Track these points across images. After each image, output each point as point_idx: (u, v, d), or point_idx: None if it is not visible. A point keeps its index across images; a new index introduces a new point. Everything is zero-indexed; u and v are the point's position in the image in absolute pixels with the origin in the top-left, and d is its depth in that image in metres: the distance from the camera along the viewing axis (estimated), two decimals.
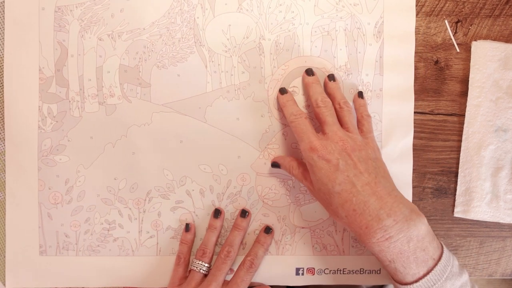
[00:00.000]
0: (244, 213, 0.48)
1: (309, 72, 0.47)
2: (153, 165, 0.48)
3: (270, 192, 0.49)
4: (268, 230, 0.48)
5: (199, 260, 0.46)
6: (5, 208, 0.48)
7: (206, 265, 0.46)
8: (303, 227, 0.50)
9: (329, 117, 0.43)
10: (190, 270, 0.47)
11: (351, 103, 0.48)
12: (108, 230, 0.49)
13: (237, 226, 0.48)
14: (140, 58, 0.48)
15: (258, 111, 0.49)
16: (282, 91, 0.47)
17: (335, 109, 0.45)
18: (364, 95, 0.48)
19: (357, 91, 0.48)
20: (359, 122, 0.46)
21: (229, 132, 0.49)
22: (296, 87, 0.49)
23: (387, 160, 0.49)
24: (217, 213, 0.48)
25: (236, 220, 0.48)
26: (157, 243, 0.49)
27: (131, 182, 0.48)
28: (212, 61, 0.48)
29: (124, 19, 0.48)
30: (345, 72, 0.49)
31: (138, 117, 0.48)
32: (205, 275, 0.46)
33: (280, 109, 0.48)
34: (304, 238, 0.50)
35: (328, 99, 0.45)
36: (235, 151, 0.49)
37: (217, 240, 0.48)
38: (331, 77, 0.47)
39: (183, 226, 0.49)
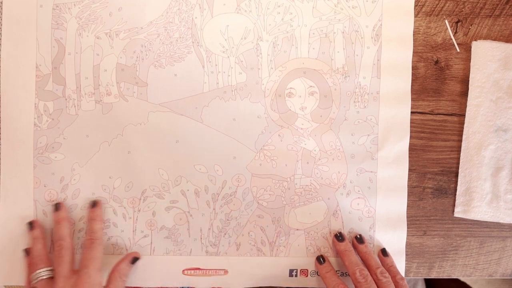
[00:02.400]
0: (57, 207, 0.47)
1: (339, 237, 0.48)
2: (149, 165, 0.48)
3: (265, 193, 0.49)
4: (94, 204, 0.47)
5: (38, 270, 0.44)
6: None
7: (46, 269, 0.44)
8: (297, 229, 0.50)
9: None
10: (35, 285, 0.44)
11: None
12: (102, 229, 0.48)
13: (56, 220, 0.47)
14: (137, 57, 0.48)
15: (255, 112, 0.49)
16: (320, 260, 0.48)
17: (373, 278, 0.45)
18: (388, 253, 0.49)
19: (380, 249, 0.49)
20: None
21: (225, 133, 0.49)
22: (293, 88, 0.49)
23: (383, 163, 0.49)
24: (30, 225, 0.47)
25: (54, 215, 0.47)
26: (151, 243, 0.49)
27: (126, 181, 0.48)
28: (210, 62, 0.48)
29: (122, 17, 0.47)
30: (343, 75, 0.49)
31: (135, 116, 0.48)
32: (51, 278, 0.44)
33: (277, 111, 0.48)
34: (299, 240, 0.50)
35: (366, 271, 0.45)
36: (231, 151, 0.49)
37: (44, 246, 0.46)
38: (360, 240, 0.48)
39: (178, 226, 0.49)
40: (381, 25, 0.49)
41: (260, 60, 0.48)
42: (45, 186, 0.48)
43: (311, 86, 0.49)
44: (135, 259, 0.48)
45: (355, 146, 0.49)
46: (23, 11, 0.47)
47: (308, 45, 0.49)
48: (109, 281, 0.45)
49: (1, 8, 0.47)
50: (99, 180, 0.48)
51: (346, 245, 0.48)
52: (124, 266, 0.47)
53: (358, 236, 0.49)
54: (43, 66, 0.47)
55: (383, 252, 0.49)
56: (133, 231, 0.49)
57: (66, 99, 0.48)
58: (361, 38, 0.49)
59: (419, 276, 0.52)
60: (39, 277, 0.44)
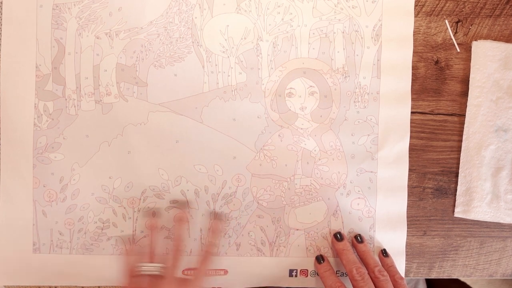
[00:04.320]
0: (181, 205, 0.48)
1: (338, 237, 0.48)
2: (149, 165, 0.48)
3: (265, 193, 0.49)
4: (218, 216, 0.48)
5: (152, 263, 0.44)
6: None
7: (160, 265, 0.43)
8: (297, 229, 0.50)
9: None
10: (138, 277, 0.43)
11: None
12: (102, 229, 0.48)
13: (180, 218, 0.47)
14: (137, 57, 0.48)
15: (255, 112, 0.49)
16: (319, 259, 0.49)
17: (371, 277, 0.45)
18: (388, 253, 0.49)
19: (380, 249, 0.49)
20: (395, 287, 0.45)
21: (225, 133, 0.49)
22: (293, 88, 0.49)
23: (383, 163, 0.49)
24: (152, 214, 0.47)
25: (178, 213, 0.48)
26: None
27: (126, 181, 0.48)
28: (210, 62, 0.48)
29: (122, 17, 0.47)
30: (343, 75, 0.49)
31: (134, 116, 0.48)
32: (157, 276, 0.43)
33: (277, 111, 0.48)
34: (298, 240, 0.50)
35: (363, 270, 0.45)
36: (231, 151, 0.49)
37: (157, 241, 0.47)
38: (359, 239, 0.49)
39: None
40: (381, 25, 0.49)
41: (260, 60, 0.48)
42: (44, 186, 0.48)
43: (311, 86, 0.49)
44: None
45: (355, 146, 0.49)
46: (23, 11, 0.47)
47: (308, 45, 0.49)
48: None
49: (1, 8, 0.47)
50: (99, 180, 0.48)
51: (345, 245, 0.48)
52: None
53: (357, 235, 0.49)
54: (43, 66, 0.47)
55: (384, 252, 0.49)
56: (133, 231, 0.49)
57: (66, 99, 0.48)
58: (361, 38, 0.49)
59: (419, 276, 0.52)
60: (153, 270, 0.43)
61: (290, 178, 0.49)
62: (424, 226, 0.51)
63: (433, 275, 0.51)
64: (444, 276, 0.52)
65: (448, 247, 0.51)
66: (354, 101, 0.49)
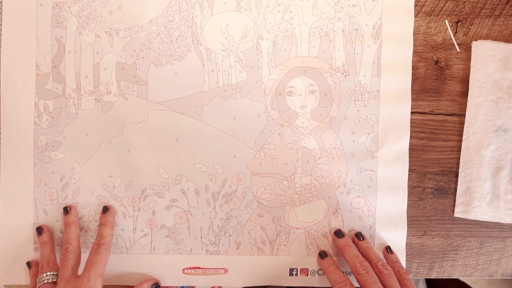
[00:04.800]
0: (66, 210, 0.47)
1: (339, 234, 0.48)
2: (149, 163, 0.48)
3: (265, 192, 0.49)
4: (105, 209, 0.48)
5: (43, 274, 0.45)
6: None
7: (50, 273, 0.45)
8: (297, 228, 0.50)
9: (373, 284, 0.43)
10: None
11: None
12: (112, 235, 0.48)
13: (66, 223, 0.47)
14: (137, 56, 0.48)
15: (255, 110, 0.49)
16: (322, 255, 0.48)
17: (374, 272, 0.45)
18: (393, 250, 0.49)
19: (385, 246, 0.49)
20: (400, 282, 0.45)
21: (225, 132, 0.49)
22: (293, 87, 0.49)
23: (383, 162, 0.49)
24: (39, 230, 0.47)
25: (64, 218, 0.47)
26: (151, 242, 0.49)
27: (126, 180, 0.48)
28: (210, 60, 0.48)
29: (122, 16, 0.47)
30: (343, 73, 0.49)
31: (135, 115, 0.48)
32: (55, 282, 0.45)
33: (277, 109, 0.48)
34: (299, 238, 0.50)
35: (367, 263, 0.45)
36: (231, 150, 0.49)
37: (52, 250, 0.47)
38: (360, 236, 0.49)
39: (178, 225, 0.49)
40: (381, 23, 0.49)
41: (260, 59, 0.48)
42: (45, 185, 0.48)
43: (311, 85, 0.49)
44: (157, 286, 0.48)
45: (355, 145, 0.49)
46: (23, 10, 0.47)
47: (308, 43, 0.48)
48: None
49: (1, 7, 0.47)
50: (99, 179, 0.48)
51: (346, 240, 0.48)
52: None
53: (358, 233, 0.49)
54: (43, 65, 0.47)
55: (388, 249, 0.49)
56: (133, 230, 0.49)
57: (66, 98, 0.48)
58: (361, 36, 0.49)
59: (419, 276, 0.52)
60: (44, 280, 0.44)
61: (290, 176, 0.49)
62: (424, 226, 0.51)
63: (433, 275, 0.52)
64: (444, 276, 0.52)
65: (448, 247, 0.51)
66: (354, 100, 0.49)
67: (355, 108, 0.49)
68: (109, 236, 0.46)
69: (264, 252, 0.49)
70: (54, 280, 0.45)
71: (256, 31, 0.48)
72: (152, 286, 0.48)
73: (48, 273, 0.45)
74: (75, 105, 0.48)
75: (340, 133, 0.49)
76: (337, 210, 0.50)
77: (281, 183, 0.49)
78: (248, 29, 0.48)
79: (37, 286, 0.45)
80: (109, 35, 0.47)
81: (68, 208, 0.47)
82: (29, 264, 0.48)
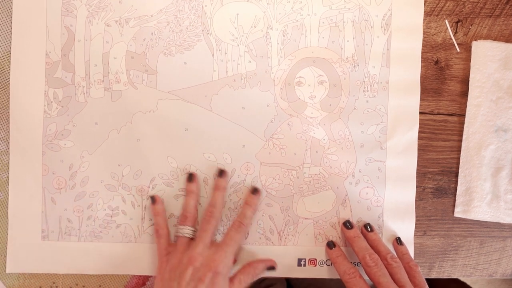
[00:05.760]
0: (221, 173, 0.48)
1: (348, 225, 0.48)
2: (158, 153, 0.48)
3: (274, 182, 0.49)
4: (254, 190, 0.48)
5: (182, 225, 0.46)
6: (6, 207, 0.48)
7: (191, 228, 0.46)
8: (306, 218, 0.50)
9: (382, 277, 0.43)
10: (176, 237, 0.46)
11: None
12: (111, 217, 0.48)
13: (217, 186, 0.48)
14: (147, 45, 0.48)
15: (264, 100, 0.49)
16: (330, 245, 0.48)
17: (383, 264, 0.45)
18: (403, 241, 0.49)
19: (395, 237, 0.49)
20: (409, 274, 0.45)
21: (234, 121, 0.49)
22: (302, 77, 0.49)
23: (392, 153, 0.49)
24: (190, 177, 0.48)
25: (216, 181, 0.48)
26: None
27: (135, 169, 0.48)
28: (219, 50, 0.48)
29: (132, 5, 0.47)
30: (352, 64, 0.49)
31: (144, 104, 0.48)
32: (192, 239, 0.46)
33: (287, 99, 0.48)
34: (307, 229, 0.50)
35: (376, 256, 0.45)
36: (240, 140, 0.49)
37: (196, 204, 0.48)
38: (369, 227, 0.49)
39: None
40: (390, 14, 0.49)
41: (269, 49, 0.48)
42: (53, 173, 0.48)
43: (320, 75, 0.49)
44: (271, 268, 0.48)
45: (364, 136, 0.49)
46: None
47: (318, 34, 0.49)
48: (241, 271, 0.46)
49: None
50: (108, 168, 0.48)
51: (355, 232, 0.47)
52: (261, 268, 0.47)
53: (366, 224, 0.49)
54: (52, 53, 0.47)
55: (398, 240, 0.49)
56: (142, 219, 0.49)
57: (75, 86, 0.48)
58: (371, 27, 0.49)
59: None
60: (185, 233, 0.45)
61: (299, 167, 0.49)
62: (424, 226, 0.51)
63: (433, 275, 0.52)
64: (444, 276, 0.52)
65: (448, 247, 0.51)
66: (364, 91, 0.49)
67: (364, 99, 0.49)
68: (251, 218, 0.47)
69: (272, 242, 0.49)
70: (193, 236, 0.46)
71: (266, 21, 0.48)
72: (268, 266, 0.48)
73: (190, 228, 0.46)
74: (84, 93, 0.48)
75: (349, 123, 0.49)
76: (345, 200, 0.50)
77: (289, 173, 0.49)
78: (258, 19, 0.48)
79: (176, 234, 0.46)
80: (119, 24, 0.48)
81: (222, 172, 0.48)
82: (153, 199, 0.48)
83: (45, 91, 0.47)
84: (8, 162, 0.48)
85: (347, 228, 0.48)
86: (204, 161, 0.49)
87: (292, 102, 0.49)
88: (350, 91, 0.49)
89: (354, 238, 0.47)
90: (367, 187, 0.50)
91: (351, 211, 0.50)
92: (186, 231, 0.46)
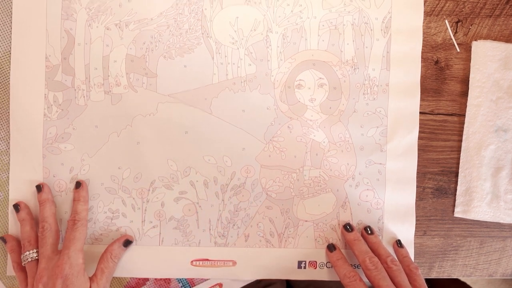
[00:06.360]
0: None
1: (348, 227, 0.48)
2: (158, 155, 0.48)
3: (274, 184, 0.49)
4: (77, 184, 0.47)
5: (23, 253, 0.45)
6: (6, 207, 0.48)
7: (32, 251, 0.45)
8: (306, 220, 0.50)
9: (382, 280, 0.43)
10: (25, 266, 0.45)
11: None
12: (111, 219, 0.49)
13: (39, 201, 0.47)
14: (147, 48, 0.48)
15: (264, 103, 0.49)
16: (331, 248, 0.48)
17: (384, 267, 0.45)
18: (403, 244, 0.49)
19: (395, 240, 0.49)
20: (409, 277, 0.45)
21: (235, 124, 0.49)
22: (302, 80, 0.49)
23: (392, 155, 0.49)
24: (16, 207, 0.47)
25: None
26: (160, 233, 0.49)
27: (135, 171, 0.48)
28: (219, 53, 0.48)
29: (132, 8, 0.47)
30: (352, 67, 0.49)
31: (144, 107, 0.48)
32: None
33: (287, 102, 0.49)
34: (307, 231, 0.50)
35: (376, 259, 0.45)
36: (240, 143, 0.49)
37: (31, 227, 0.46)
38: (369, 230, 0.48)
39: (186, 217, 0.49)
40: (390, 17, 0.49)
41: (269, 52, 0.49)
42: (54, 176, 0.48)
43: (320, 78, 0.49)
44: (127, 242, 0.48)
45: (364, 138, 0.49)
46: (33, 2, 0.47)
47: (318, 37, 0.49)
48: (100, 261, 0.46)
49: (11, 2, 0.47)
50: (108, 171, 0.48)
51: (355, 235, 0.48)
52: (116, 248, 0.47)
53: (367, 227, 0.49)
54: (52, 57, 0.47)
55: (398, 243, 0.49)
56: (142, 221, 0.49)
57: (75, 90, 0.48)
58: (371, 30, 0.49)
59: None
60: (28, 259, 0.45)
61: (299, 169, 0.49)
62: (424, 226, 0.51)
63: (433, 275, 0.52)
64: (444, 276, 0.52)
65: (448, 247, 0.51)
66: (363, 93, 0.49)
67: (364, 102, 0.49)
68: (84, 212, 0.46)
69: (272, 245, 0.50)
70: (37, 257, 0.45)
71: (266, 24, 0.48)
72: (122, 243, 0.48)
73: (30, 251, 0.45)
74: (84, 97, 0.48)
75: (349, 126, 0.49)
76: (345, 203, 0.50)
77: (290, 176, 0.49)
78: (258, 22, 0.48)
79: (23, 264, 0.45)
80: (119, 27, 0.48)
81: (41, 186, 0.47)
82: (3, 239, 0.47)
83: (45, 94, 0.47)
84: (8, 162, 0.48)
85: (347, 230, 0.48)
86: (204, 164, 0.49)
87: (292, 105, 0.49)
88: (350, 94, 0.49)
89: (354, 241, 0.47)
90: (367, 189, 0.50)
91: (351, 214, 0.50)
92: (28, 256, 0.45)
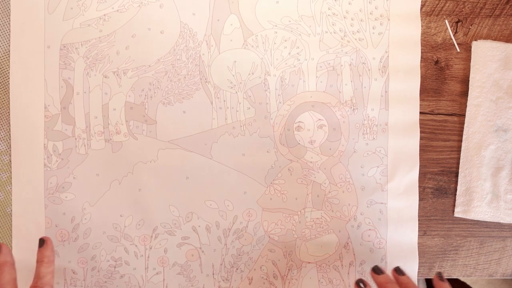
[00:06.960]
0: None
1: (377, 270, 0.45)
2: (159, 202, 0.48)
3: (276, 227, 0.49)
4: (41, 242, 0.43)
5: None
6: (6, 207, 0.48)
7: None
8: (309, 262, 0.50)
9: None
10: None
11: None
12: (115, 267, 0.49)
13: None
14: (145, 95, 0.48)
15: (264, 146, 0.49)
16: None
17: None
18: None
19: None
20: None
21: (235, 168, 0.49)
22: (301, 122, 0.49)
23: (393, 194, 0.50)
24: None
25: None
26: (164, 279, 0.49)
27: (138, 218, 0.49)
28: (218, 98, 0.48)
29: (130, 56, 0.48)
30: (351, 107, 0.49)
31: (144, 154, 0.48)
32: None
33: (286, 145, 0.49)
34: (310, 273, 0.50)
35: None
36: (241, 186, 0.49)
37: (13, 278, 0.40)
38: (400, 272, 0.45)
39: (190, 262, 0.49)
40: (388, 56, 0.49)
41: (268, 95, 0.49)
42: (56, 226, 0.48)
43: (319, 119, 0.49)
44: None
45: (364, 178, 0.49)
46: (31, 52, 0.47)
47: (316, 78, 0.49)
48: None
49: (9, 50, 0.47)
50: (110, 219, 0.48)
51: (387, 277, 0.45)
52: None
53: (397, 268, 0.46)
54: (51, 107, 0.47)
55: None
56: (145, 268, 0.49)
57: (75, 139, 0.48)
58: (368, 70, 0.49)
59: (419, 276, 0.52)
60: None
61: (300, 211, 0.49)
62: (424, 226, 0.51)
63: (433, 275, 0.51)
64: (444, 276, 0.52)
65: (448, 247, 0.51)
66: (363, 133, 0.49)
67: (363, 142, 0.49)
68: (48, 275, 0.41)
69: (276, 287, 0.50)
70: None
71: (264, 68, 0.48)
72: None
73: None
74: (85, 145, 0.48)
75: (349, 166, 0.49)
76: (348, 243, 0.50)
77: (291, 218, 0.49)
78: (256, 65, 0.48)
79: None
80: (117, 75, 0.48)
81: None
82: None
83: (44, 144, 0.48)
84: (9, 162, 0.48)
85: (377, 273, 0.45)
86: (206, 208, 0.49)
87: (292, 147, 0.49)
88: (349, 134, 0.49)
89: (387, 284, 0.44)
90: (369, 229, 0.50)
91: (354, 254, 0.50)
92: None
